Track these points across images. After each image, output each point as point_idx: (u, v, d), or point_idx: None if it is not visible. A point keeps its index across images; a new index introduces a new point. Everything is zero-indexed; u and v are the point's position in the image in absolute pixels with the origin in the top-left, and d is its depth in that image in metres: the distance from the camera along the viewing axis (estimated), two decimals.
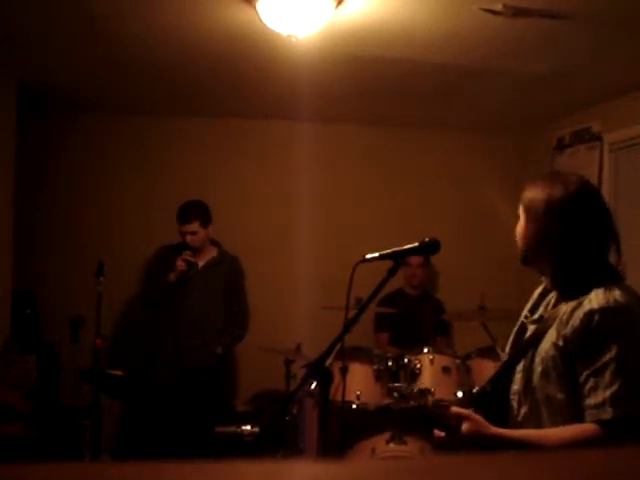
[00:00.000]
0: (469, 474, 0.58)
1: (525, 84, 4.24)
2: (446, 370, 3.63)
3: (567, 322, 1.69)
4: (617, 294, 1.65)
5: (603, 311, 1.63)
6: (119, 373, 3.86)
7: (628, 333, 1.63)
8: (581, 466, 0.59)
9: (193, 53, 3.76)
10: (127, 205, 5.08)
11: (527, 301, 1.97)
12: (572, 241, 1.73)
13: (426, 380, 3.58)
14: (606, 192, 4.55)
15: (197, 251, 4.17)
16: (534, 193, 1.79)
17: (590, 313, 1.64)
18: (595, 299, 1.66)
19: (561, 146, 5.05)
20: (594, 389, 1.62)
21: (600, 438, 1.59)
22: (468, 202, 5.40)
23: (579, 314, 1.66)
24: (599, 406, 1.61)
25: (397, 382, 3.62)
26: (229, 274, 4.31)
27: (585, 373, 1.64)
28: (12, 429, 3.57)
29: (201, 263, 4.23)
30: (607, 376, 1.60)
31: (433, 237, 1.97)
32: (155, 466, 0.57)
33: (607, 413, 1.60)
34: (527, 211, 1.80)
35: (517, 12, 3.05)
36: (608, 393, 1.60)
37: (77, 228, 4.97)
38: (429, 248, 1.98)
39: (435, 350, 3.73)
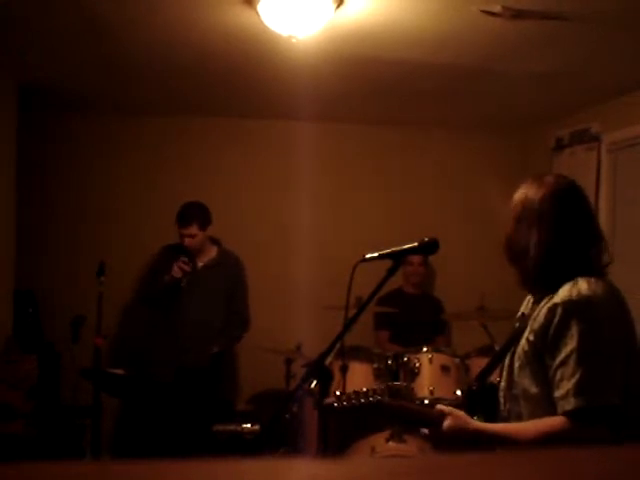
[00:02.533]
0: (469, 473, 0.59)
1: (524, 85, 4.24)
2: (445, 369, 3.64)
3: (536, 318, 1.73)
4: (583, 287, 1.68)
5: (564, 304, 1.66)
6: (120, 372, 3.87)
7: (589, 324, 1.64)
8: (581, 466, 0.60)
9: (194, 54, 3.76)
10: (128, 205, 5.08)
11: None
12: (545, 241, 1.76)
13: (425, 379, 3.59)
14: (604, 192, 4.56)
15: (193, 255, 4.16)
16: (516, 195, 1.86)
17: (553, 307, 1.68)
18: (561, 293, 1.69)
19: (560, 146, 5.05)
20: (560, 381, 1.65)
21: (568, 430, 1.61)
22: (468, 202, 5.41)
23: (545, 309, 1.71)
24: (564, 397, 1.63)
25: (397, 381, 3.64)
26: (229, 274, 4.29)
27: (553, 366, 1.67)
28: (13, 428, 3.58)
29: (200, 264, 4.23)
30: (570, 367, 1.63)
31: (432, 237, 1.98)
32: (156, 465, 0.57)
33: (570, 404, 1.62)
34: (511, 212, 1.86)
35: (516, 13, 3.06)
36: (571, 384, 1.62)
37: (78, 228, 4.98)
38: (428, 248, 2.00)
39: (434, 349, 3.74)
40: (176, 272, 4.07)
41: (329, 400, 1.89)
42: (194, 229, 4.09)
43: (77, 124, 5.02)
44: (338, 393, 1.88)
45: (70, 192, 5.01)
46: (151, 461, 0.58)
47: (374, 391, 1.87)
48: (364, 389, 1.89)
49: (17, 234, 4.34)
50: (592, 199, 4.54)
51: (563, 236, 1.76)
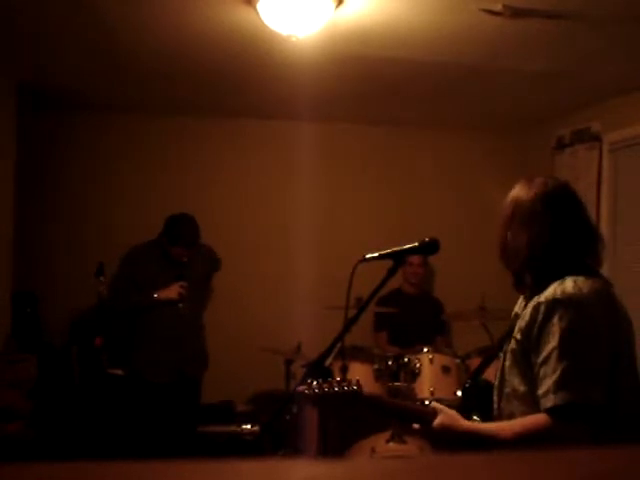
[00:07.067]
0: (469, 474, 0.58)
1: (525, 84, 4.24)
2: (446, 369, 3.63)
3: (523, 316, 1.75)
4: (569, 285, 1.68)
5: (548, 302, 1.67)
6: (119, 373, 3.86)
7: (571, 321, 1.64)
8: (580, 466, 0.59)
9: (193, 53, 3.76)
10: (127, 205, 5.08)
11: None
12: (536, 241, 1.76)
13: (426, 379, 3.59)
14: (605, 192, 4.56)
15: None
16: (507, 197, 1.86)
17: (537, 305, 1.69)
18: (546, 292, 1.70)
19: (561, 146, 5.05)
20: (542, 378, 1.65)
21: (548, 427, 1.61)
22: (468, 202, 5.41)
23: (530, 308, 1.72)
24: (545, 395, 1.64)
25: (397, 381, 3.63)
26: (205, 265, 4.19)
27: (537, 364, 1.68)
28: (12, 428, 3.57)
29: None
30: (551, 364, 1.63)
31: (433, 237, 1.98)
32: (154, 465, 0.57)
33: (550, 400, 1.62)
34: (503, 213, 1.86)
35: (516, 12, 3.05)
36: (551, 381, 1.62)
37: (77, 228, 4.97)
38: (429, 248, 1.99)
39: (435, 350, 3.74)
40: (174, 294, 3.86)
41: (300, 388, 1.86)
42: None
43: (77, 124, 5.02)
44: (310, 381, 1.85)
45: (69, 192, 5.00)
46: (150, 461, 0.57)
47: (350, 382, 1.86)
48: (339, 379, 1.89)
49: (16, 234, 4.34)
50: (593, 198, 4.53)
51: (553, 236, 1.76)
